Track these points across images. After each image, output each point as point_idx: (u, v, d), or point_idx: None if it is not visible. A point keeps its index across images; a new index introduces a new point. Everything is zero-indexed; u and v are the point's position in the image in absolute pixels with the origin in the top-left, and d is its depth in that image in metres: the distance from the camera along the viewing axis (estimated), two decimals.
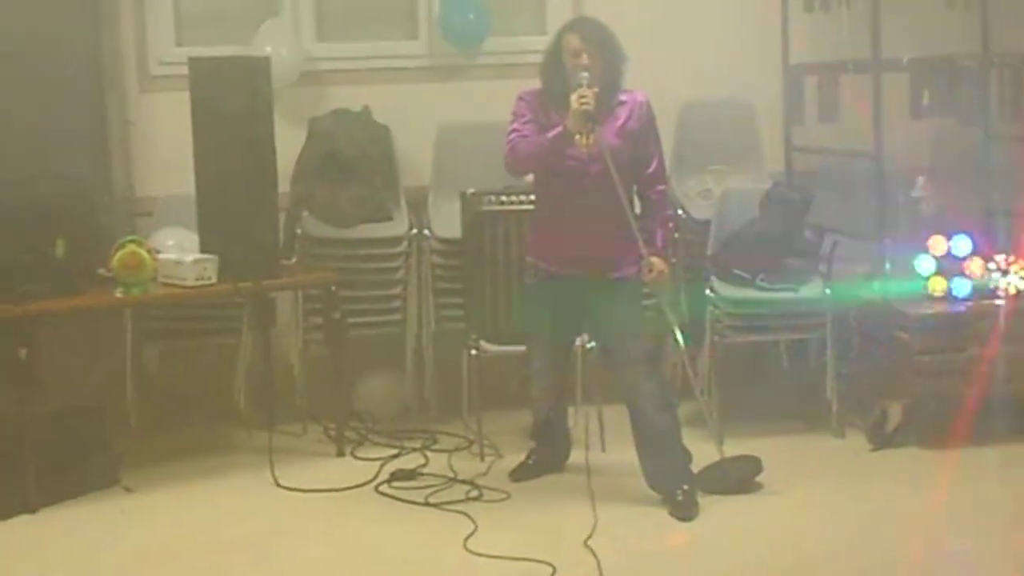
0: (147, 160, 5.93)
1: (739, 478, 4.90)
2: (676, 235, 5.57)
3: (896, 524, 4.62)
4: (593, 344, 5.12)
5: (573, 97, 4.58)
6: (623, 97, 4.77)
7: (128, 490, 5.03)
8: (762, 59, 6.12)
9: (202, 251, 5.16)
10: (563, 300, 4.83)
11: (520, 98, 4.78)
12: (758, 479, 4.92)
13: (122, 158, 5.88)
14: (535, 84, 4.82)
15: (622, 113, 4.75)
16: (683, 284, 5.64)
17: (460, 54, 6.12)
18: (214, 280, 5.07)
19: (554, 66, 4.72)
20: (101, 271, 5.09)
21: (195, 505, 4.93)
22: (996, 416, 5.21)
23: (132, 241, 5.09)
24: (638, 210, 4.81)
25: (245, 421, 5.61)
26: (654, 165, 4.83)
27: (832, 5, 5.88)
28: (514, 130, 4.73)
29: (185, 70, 5.20)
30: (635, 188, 4.83)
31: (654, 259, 4.74)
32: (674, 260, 5.08)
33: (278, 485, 5.04)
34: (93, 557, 4.52)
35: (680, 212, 5.79)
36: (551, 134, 4.65)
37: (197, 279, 5.04)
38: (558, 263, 4.80)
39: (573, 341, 5.09)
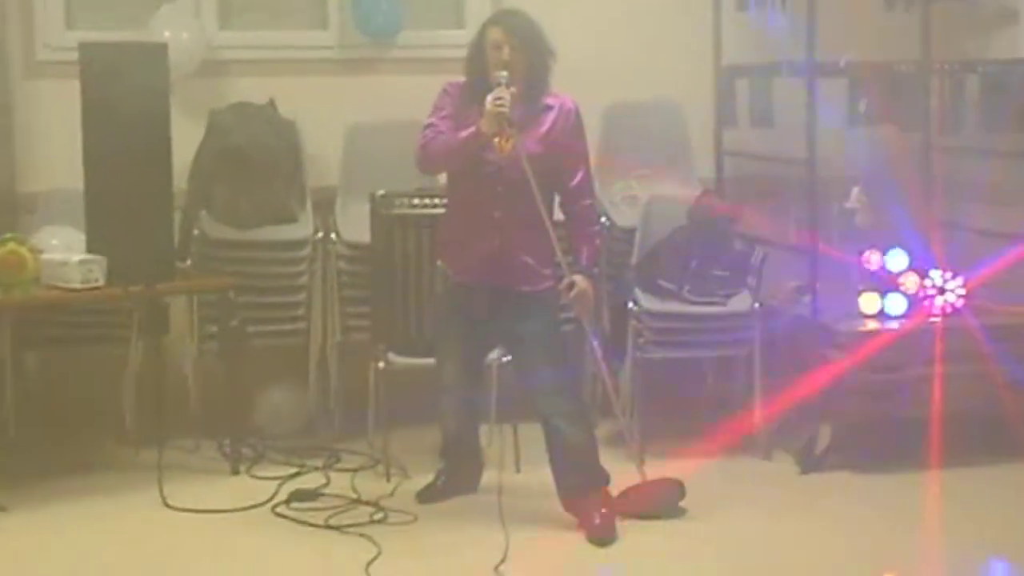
0: (31, 152, 5.87)
1: (661, 502, 4.90)
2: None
3: (823, 553, 4.62)
4: (507, 358, 5.08)
5: (489, 98, 4.55)
6: (550, 101, 4.74)
7: (2, 509, 4.94)
8: (693, 58, 6.14)
9: (89, 251, 5.11)
10: (474, 310, 4.81)
11: (444, 89, 4.76)
12: (681, 503, 4.92)
13: (2, 149, 5.80)
14: (450, 80, 4.81)
15: (547, 119, 4.73)
16: (605, 295, 5.59)
17: (372, 46, 6.09)
18: (102, 283, 5.03)
19: (477, 60, 4.71)
20: None
21: (76, 526, 4.85)
22: (930, 440, 5.22)
23: (12, 239, 5.03)
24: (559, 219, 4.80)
25: (133, 436, 5.53)
26: (579, 177, 4.79)
27: (766, 4, 5.91)
28: (430, 124, 4.71)
29: (75, 55, 5.16)
30: (558, 200, 4.80)
31: (577, 278, 4.71)
32: (596, 270, 5.03)
33: (167, 505, 4.98)
34: None
35: (604, 219, 5.72)
36: (463, 134, 4.63)
37: (83, 281, 4.99)
38: (467, 271, 4.79)
39: (486, 354, 5.06)
